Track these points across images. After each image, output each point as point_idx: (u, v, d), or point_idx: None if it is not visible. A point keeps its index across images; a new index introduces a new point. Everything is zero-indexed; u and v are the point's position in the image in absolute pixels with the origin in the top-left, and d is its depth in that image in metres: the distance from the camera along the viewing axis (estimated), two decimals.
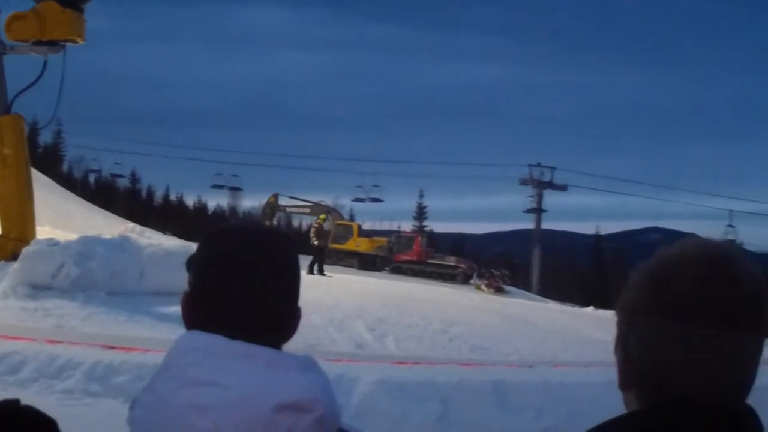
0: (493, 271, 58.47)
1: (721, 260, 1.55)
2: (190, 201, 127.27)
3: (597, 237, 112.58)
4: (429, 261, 60.31)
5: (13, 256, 17.87)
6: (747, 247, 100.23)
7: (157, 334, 14.78)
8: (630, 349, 1.60)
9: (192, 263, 2.07)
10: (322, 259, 37.68)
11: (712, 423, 1.50)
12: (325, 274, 35.11)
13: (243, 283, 1.97)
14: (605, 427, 1.54)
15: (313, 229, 39.12)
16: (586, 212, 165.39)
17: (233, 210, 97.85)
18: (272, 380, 1.83)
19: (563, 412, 11.36)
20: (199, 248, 2.10)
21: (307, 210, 69.37)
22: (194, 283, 2.04)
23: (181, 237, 28.31)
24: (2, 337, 13.16)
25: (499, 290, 52.57)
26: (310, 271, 35.03)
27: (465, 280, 57.15)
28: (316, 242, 38.03)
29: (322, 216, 41.40)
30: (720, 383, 1.54)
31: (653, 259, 1.62)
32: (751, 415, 1.56)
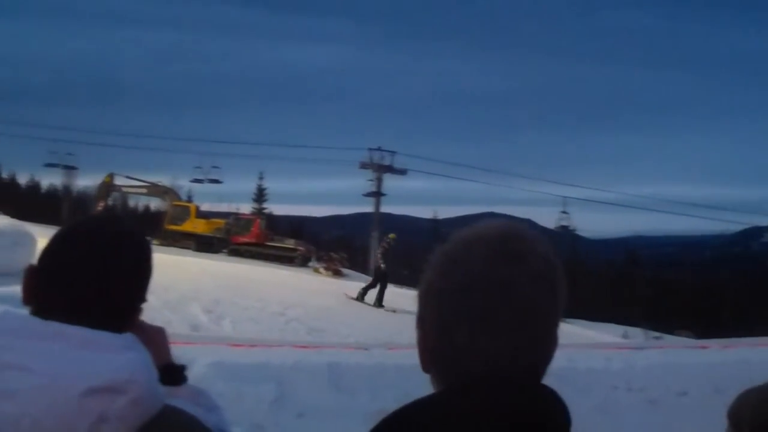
0: (331, 254, 58.62)
1: (510, 239, 1.58)
2: (22, 180, 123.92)
3: (435, 221, 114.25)
4: (267, 243, 60.05)
5: None
6: (580, 233, 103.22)
7: None
8: (427, 330, 1.61)
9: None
10: (385, 286, 31.24)
11: (505, 402, 1.50)
12: (383, 306, 28.94)
13: (78, 271, 1.93)
14: (407, 410, 1.54)
15: (380, 250, 33.77)
16: (425, 197, 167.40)
17: (68, 189, 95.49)
18: (84, 362, 1.76)
19: (398, 393, 11.47)
20: (57, 232, 2.05)
21: (144, 190, 68.28)
22: (39, 260, 2.00)
23: (13, 216, 27.51)
24: None
25: (337, 273, 52.75)
26: (361, 297, 29.91)
27: (304, 262, 57.16)
28: (382, 265, 32.32)
29: (392, 236, 34.73)
30: (512, 361, 1.55)
31: (448, 241, 1.66)
32: (552, 395, 1.57)
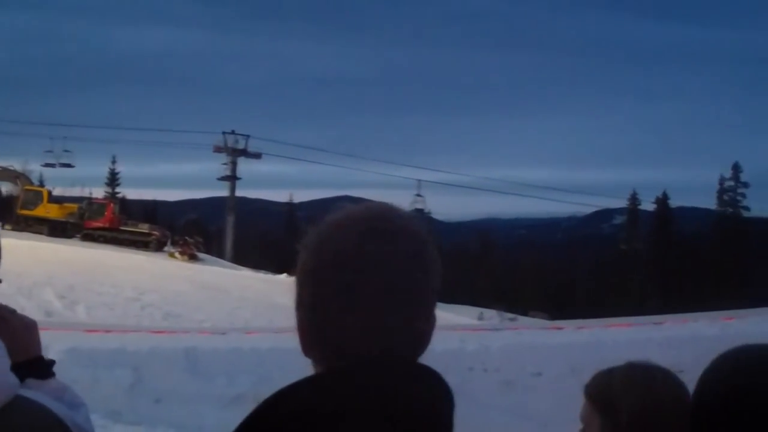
0: (186, 238, 58.14)
1: (381, 218, 1.62)
2: None
3: (290, 205, 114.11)
4: (122, 228, 59.20)
5: None
6: (435, 216, 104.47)
7: None
8: (304, 311, 1.64)
9: None
10: None
11: (382, 383, 1.52)
12: None
13: None
14: (285, 393, 1.53)
15: None
16: (280, 180, 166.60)
17: None
18: None
19: (255, 377, 11.55)
20: None
21: None
22: None
23: None
24: None
25: (192, 258, 52.35)
26: None
27: (159, 247, 56.54)
28: None
29: None
30: (387, 340, 1.56)
31: (321, 222, 1.67)
32: (433, 375, 1.58)
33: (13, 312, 2.07)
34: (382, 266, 1.58)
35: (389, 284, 1.57)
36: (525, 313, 56.15)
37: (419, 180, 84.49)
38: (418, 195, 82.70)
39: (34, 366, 2.04)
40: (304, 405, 1.49)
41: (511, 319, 43.50)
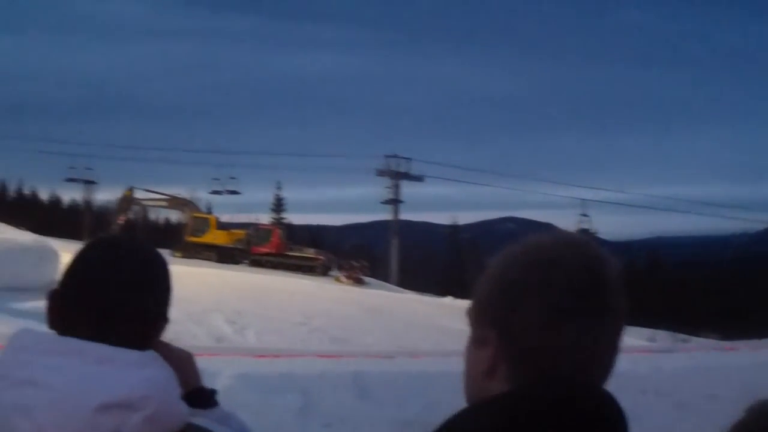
0: (352, 262, 58.61)
1: (595, 245, 1.64)
2: (44, 195, 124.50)
3: (454, 227, 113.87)
4: (288, 253, 60.13)
5: None
6: (601, 235, 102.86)
7: (11, 330, 14.38)
8: (511, 329, 1.59)
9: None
10: None
11: (585, 402, 1.52)
12: None
13: (102, 287, 1.94)
14: (475, 411, 1.55)
15: None
16: (443, 203, 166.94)
17: (88, 204, 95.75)
18: (100, 378, 1.75)
19: (425, 401, 11.41)
20: (75, 254, 2.04)
21: (164, 203, 68.57)
22: (61, 283, 1.99)
23: (35, 232, 27.56)
24: None
25: (358, 282, 52.74)
26: None
27: (324, 272, 57.19)
28: None
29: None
30: (593, 363, 1.59)
31: (530, 243, 1.65)
32: (613, 399, 1.57)
33: (169, 345, 2.10)
34: (609, 293, 1.60)
35: (612, 309, 1.60)
36: (697, 334, 54.70)
37: (583, 199, 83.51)
38: (583, 215, 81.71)
39: (197, 396, 2.08)
40: (498, 423, 1.49)
41: (683, 341, 42.43)
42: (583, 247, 1.62)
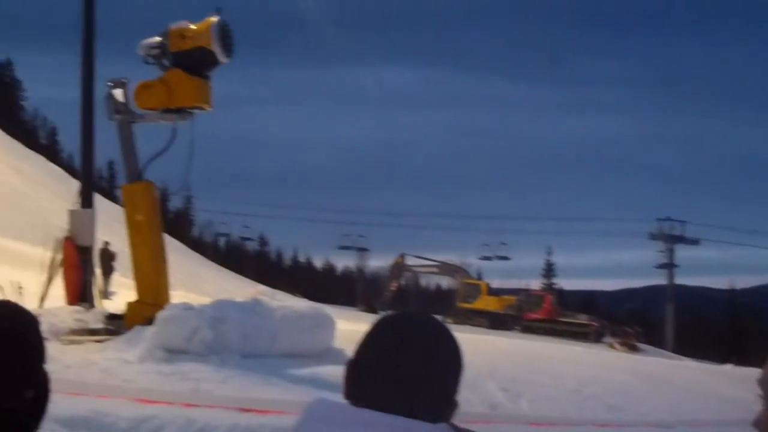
0: (625, 328, 57.50)
1: None
2: (318, 262, 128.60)
3: (732, 292, 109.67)
4: (559, 319, 59.63)
5: (149, 321, 18.12)
6: None
7: (290, 397, 14.79)
8: None
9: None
10: None
11: None
12: None
13: (399, 361, 1.95)
14: None
15: None
16: (719, 266, 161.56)
17: (361, 271, 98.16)
18: None
19: None
20: (372, 326, 2.08)
21: (434, 269, 69.57)
22: (356, 354, 2.03)
23: (310, 299, 28.46)
24: (140, 401, 13.33)
25: (632, 348, 51.65)
26: None
27: (597, 338, 56.34)
28: None
29: None
30: None
31: None
32: None
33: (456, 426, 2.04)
34: None
35: None
36: None
37: None
38: None
39: None
40: None
41: None
42: None
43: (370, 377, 1.96)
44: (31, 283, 21.97)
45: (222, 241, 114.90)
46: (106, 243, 33.75)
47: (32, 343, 2.26)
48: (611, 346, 52.63)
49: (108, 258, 34.20)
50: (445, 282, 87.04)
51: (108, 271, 34.09)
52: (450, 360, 2.03)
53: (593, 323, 59.31)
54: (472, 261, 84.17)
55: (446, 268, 68.63)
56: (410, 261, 68.17)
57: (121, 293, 26.56)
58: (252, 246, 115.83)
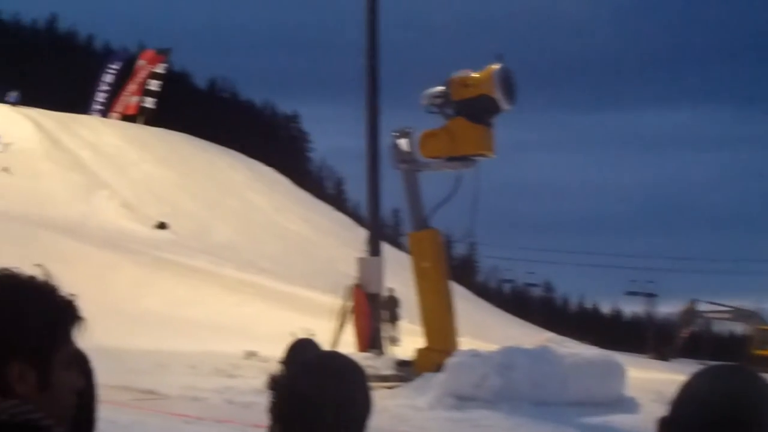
0: None
1: None
2: (605, 308, 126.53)
3: None
4: None
5: (438, 367, 18.21)
6: None
7: None
8: None
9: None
10: None
11: None
12: None
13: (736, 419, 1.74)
14: None
15: None
16: None
17: (650, 317, 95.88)
18: None
19: None
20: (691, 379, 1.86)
21: (727, 315, 67.21)
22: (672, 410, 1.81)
23: (597, 345, 27.86)
24: None
25: None
26: None
27: None
28: None
29: None
30: None
31: None
32: None
33: None
34: None
35: None
36: None
37: None
38: None
39: None
40: None
41: None
42: None
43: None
44: (322, 330, 22.55)
45: (507, 288, 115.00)
46: (391, 290, 34.33)
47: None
48: None
49: (393, 305, 34.73)
50: (739, 328, 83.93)
51: (394, 317, 34.61)
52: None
53: None
54: (767, 306, 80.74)
55: (740, 314, 66.16)
56: (702, 307, 66.21)
57: (407, 340, 26.90)
58: (537, 292, 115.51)
